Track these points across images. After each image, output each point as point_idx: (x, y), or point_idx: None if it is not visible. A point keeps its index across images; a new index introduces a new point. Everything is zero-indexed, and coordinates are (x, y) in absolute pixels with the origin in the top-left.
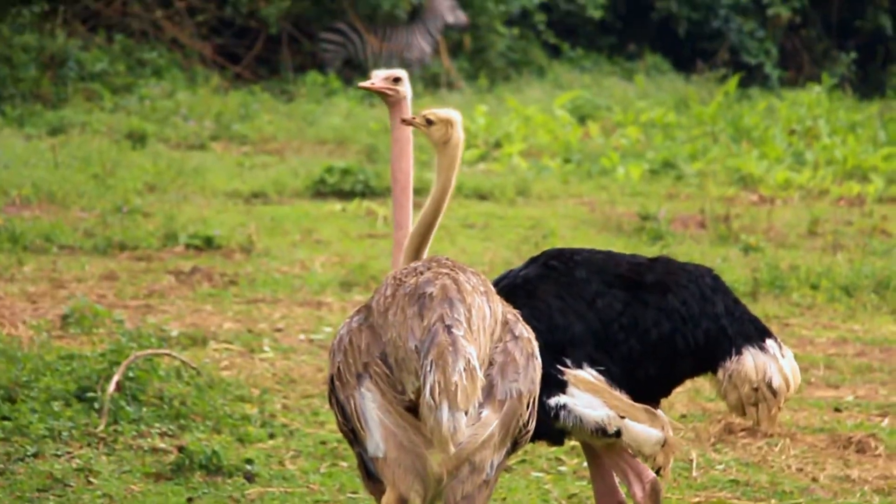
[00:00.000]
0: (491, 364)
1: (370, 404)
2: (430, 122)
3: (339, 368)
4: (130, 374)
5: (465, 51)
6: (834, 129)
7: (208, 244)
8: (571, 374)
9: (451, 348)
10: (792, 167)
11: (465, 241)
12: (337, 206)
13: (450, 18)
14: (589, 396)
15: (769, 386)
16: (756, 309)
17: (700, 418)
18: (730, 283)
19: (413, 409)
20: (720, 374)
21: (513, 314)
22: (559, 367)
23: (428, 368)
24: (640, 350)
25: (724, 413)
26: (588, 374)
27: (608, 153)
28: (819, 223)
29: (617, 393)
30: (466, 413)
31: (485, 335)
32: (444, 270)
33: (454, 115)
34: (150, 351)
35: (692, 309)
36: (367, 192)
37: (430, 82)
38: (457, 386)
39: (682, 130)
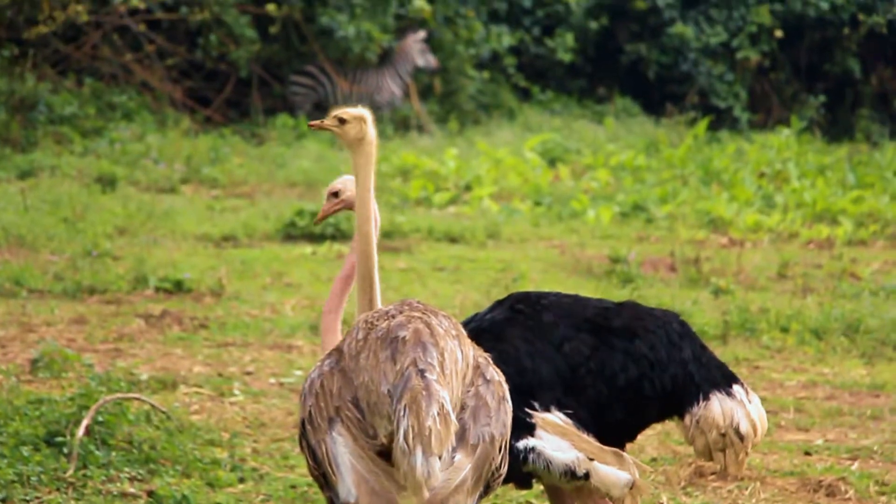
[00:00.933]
0: (463, 408)
1: (342, 449)
2: (342, 122)
3: (310, 412)
4: (100, 419)
5: (436, 94)
6: (803, 172)
7: (178, 287)
8: (540, 417)
9: (424, 393)
10: (762, 210)
11: (436, 284)
12: (307, 249)
13: (420, 62)
14: (557, 439)
15: (736, 431)
16: (726, 352)
17: (670, 461)
18: (700, 326)
19: (385, 453)
20: (687, 419)
21: (484, 358)
22: (527, 410)
23: (401, 413)
24: (607, 394)
25: (695, 457)
26: (556, 417)
27: (578, 196)
28: (789, 266)
29: (585, 436)
30: (440, 458)
31: (457, 379)
32: (417, 314)
33: (365, 112)
34: (119, 395)
35: (660, 354)
36: (338, 236)
37: (400, 125)
38: (430, 431)
39: (651, 173)
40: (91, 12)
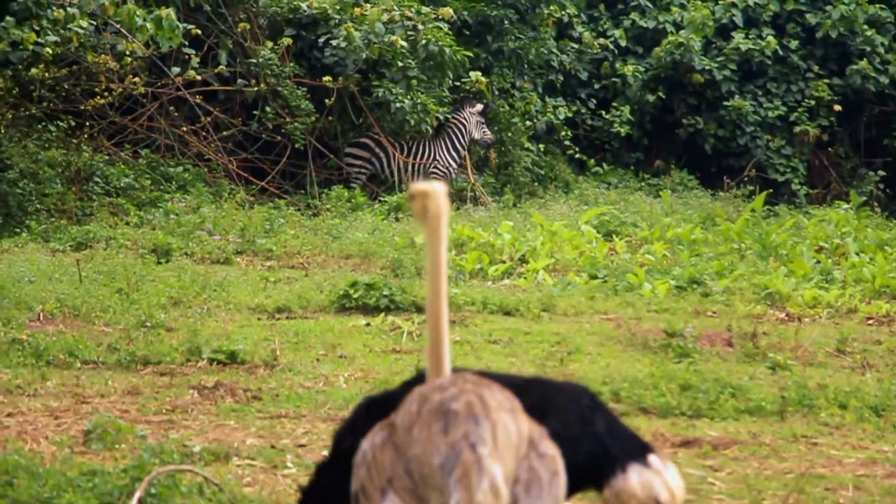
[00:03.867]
0: (516, 481)
1: None
2: (412, 197)
3: (362, 484)
4: (152, 491)
5: (491, 166)
6: (862, 248)
7: (232, 359)
8: None
9: (475, 466)
10: (820, 285)
11: (490, 357)
12: (361, 321)
13: (476, 135)
14: None
15: (656, 502)
16: (784, 428)
17: None
18: (757, 402)
19: None
20: (606, 492)
21: (538, 431)
22: None
23: (452, 487)
24: None
25: None
26: None
27: (634, 269)
28: (847, 342)
29: None
30: None
31: (510, 453)
32: (469, 387)
33: (435, 186)
34: (172, 467)
35: (572, 431)
36: (392, 307)
37: (455, 197)
38: None
39: (708, 247)
40: (147, 84)
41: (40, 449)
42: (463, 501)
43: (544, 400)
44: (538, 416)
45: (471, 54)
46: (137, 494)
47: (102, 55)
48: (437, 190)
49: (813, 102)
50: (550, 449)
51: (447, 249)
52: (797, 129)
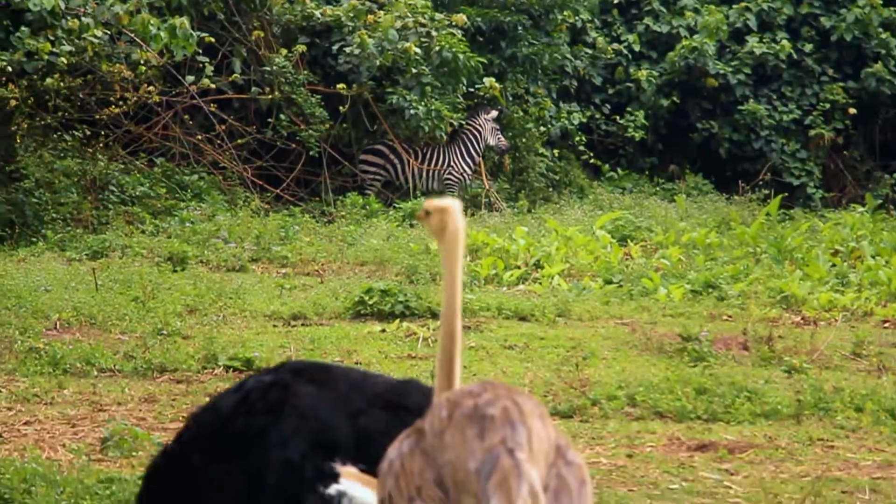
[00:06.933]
0: (545, 489)
1: None
2: (427, 213)
3: (389, 494)
4: None
5: (506, 172)
6: (878, 251)
7: (248, 366)
8: (342, 468)
9: (515, 472)
10: (835, 288)
11: (505, 362)
12: (377, 327)
13: (491, 141)
14: (361, 486)
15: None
16: (800, 431)
17: None
18: (773, 406)
19: None
20: None
21: (565, 439)
22: (330, 463)
23: (490, 492)
24: None
25: None
26: (354, 469)
27: (649, 274)
28: (863, 345)
29: None
30: None
31: (542, 459)
32: (502, 392)
33: (451, 203)
34: None
35: None
36: (408, 314)
37: (470, 203)
38: None
39: (723, 251)
40: (162, 93)
41: (58, 457)
42: None
43: (424, 401)
44: (420, 415)
45: (484, 60)
46: None
47: (117, 64)
48: (454, 206)
49: (828, 106)
50: (577, 457)
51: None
52: (812, 132)
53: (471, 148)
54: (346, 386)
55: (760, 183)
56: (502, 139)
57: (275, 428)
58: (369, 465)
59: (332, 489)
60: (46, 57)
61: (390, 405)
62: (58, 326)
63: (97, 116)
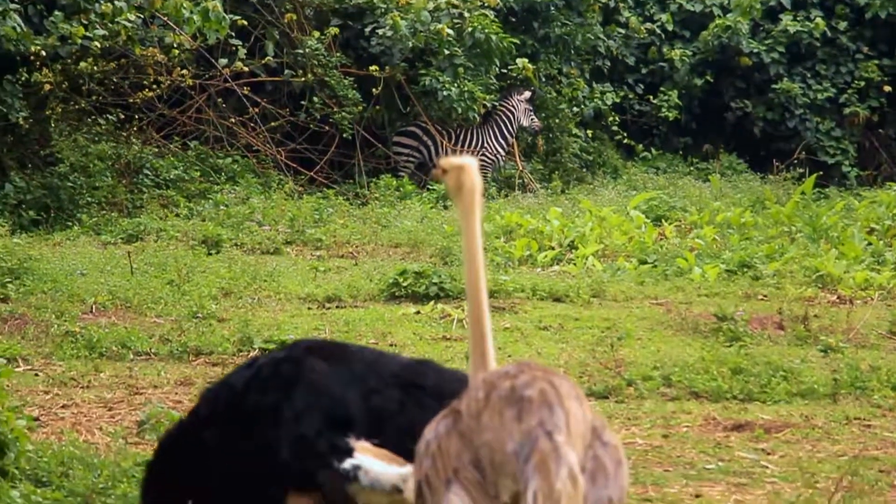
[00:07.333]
0: (581, 470)
1: None
2: (444, 172)
3: (426, 475)
4: None
5: (539, 152)
6: None
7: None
8: (355, 443)
9: (553, 454)
10: (871, 267)
11: (540, 343)
12: (411, 309)
13: (524, 122)
14: (375, 459)
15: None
16: (836, 410)
17: None
18: (809, 385)
19: None
20: None
21: (600, 420)
22: (344, 438)
23: (530, 474)
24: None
25: None
26: (367, 444)
27: (684, 254)
28: None
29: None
30: None
31: (579, 441)
32: (539, 374)
33: (467, 160)
34: None
35: None
36: (442, 295)
37: (503, 184)
38: (560, 493)
39: (758, 230)
40: (195, 76)
41: (95, 440)
42: (542, 489)
43: (439, 382)
44: (434, 397)
45: (517, 41)
46: None
47: (150, 48)
48: (471, 164)
49: (862, 84)
50: (614, 438)
51: (485, 231)
52: (847, 110)
53: (504, 129)
54: (360, 366)
55: (795, 162)
56: (535, 120)
57: (288, 404)
58: (383, 441)
59: (347, 464)
60: (80, 41)
61: (405, 385)
62: (93, 310)
63: (131, 100)
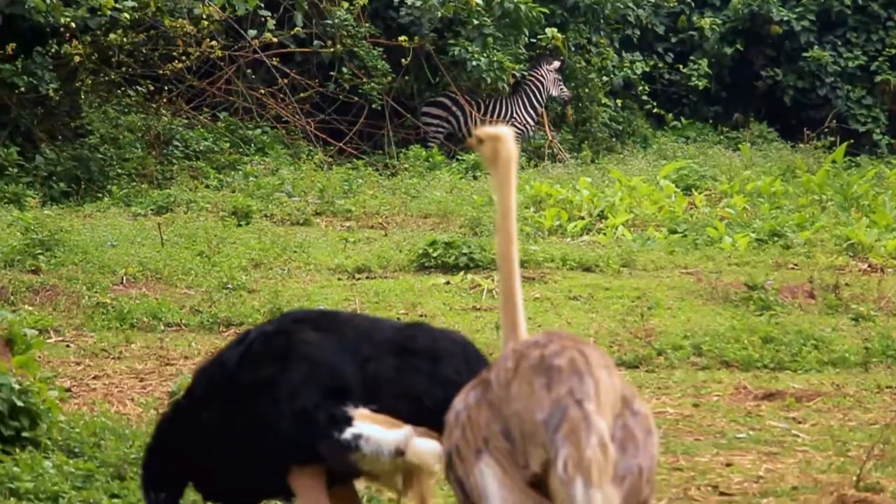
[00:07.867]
0: (612, 439)
1: (490, 480)
2: (480, 141)
3: (457, 445)
4: None
5: (569, 122)
6: None
7: None
8: (354, 411)
9: (584, 423)
10: None
11: (570, 313)
12: (441, 279)
13: (554, 92)
14: (374, 424)
15: None
16: (868, 379)
17: (812, 490)
18: (840, 353)
19: (536, 484)
20: None
21: (630, 389)
22: (342, 407)
23: (560, 443)
24: (411, 417)
25: (837, 485)
26: (365, 410)
27: (714, 223)
28: None
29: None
30: (600, 489)
31: (609, 410)
32: (569, 343)
33: (504, 130)
34: None
35: (462, 376)
36: (472, 266)
37: (533, 154)
38: (591, 461)
39: (789, 199)
40: (225, 48)
41: (126, 411)
42: (572, 458)
43: (433, 345)
44: (429, 360)
45: (546, 10)
46: None
47: (179, 19)
48: (507, 133)
49: (894, 51)
50: (644, 407)
51: (516, 202)
52: (878, 78)
53: (533, 99)
54: (352, 333)
55: (826, 130)
56: (565, 90)
57: (283, 378)
58: (380, 408)
59: (347, 433)
60: (109, 13)
61: (398, 350)
62: (124, 281)
63: (160, 72)
